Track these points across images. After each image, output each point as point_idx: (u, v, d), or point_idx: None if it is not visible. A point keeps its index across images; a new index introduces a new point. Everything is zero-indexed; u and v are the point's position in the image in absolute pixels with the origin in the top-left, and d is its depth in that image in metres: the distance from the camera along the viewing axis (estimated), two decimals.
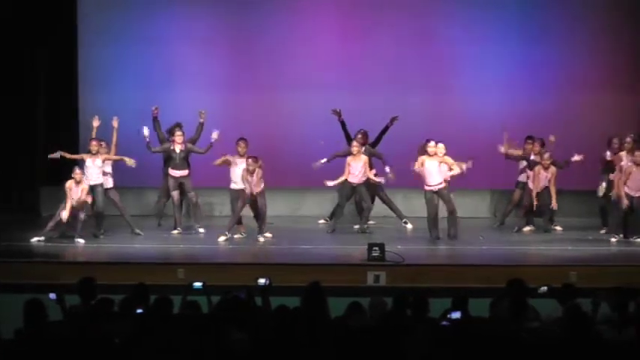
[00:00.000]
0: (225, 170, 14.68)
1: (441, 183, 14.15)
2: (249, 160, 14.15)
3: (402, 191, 15.74)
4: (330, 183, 14.66)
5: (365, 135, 15.19)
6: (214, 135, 14.53)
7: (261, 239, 14.33)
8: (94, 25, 16.52)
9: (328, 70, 16.58)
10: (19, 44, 16.22)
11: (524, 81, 16.51)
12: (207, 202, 15.76)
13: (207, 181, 14.96)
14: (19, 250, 13.39)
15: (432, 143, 14.09)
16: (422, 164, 14.14)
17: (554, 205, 14.79)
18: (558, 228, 15.40)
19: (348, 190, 14.96)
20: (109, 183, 14.74)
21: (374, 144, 15.34)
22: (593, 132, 15.00)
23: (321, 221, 15.92)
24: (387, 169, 15.02)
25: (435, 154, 14.10)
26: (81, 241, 13.90)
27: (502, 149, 15.00)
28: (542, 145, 15.09)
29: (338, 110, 15.21)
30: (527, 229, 15.30)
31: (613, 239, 14.35)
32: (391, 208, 15.58)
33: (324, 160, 14.96)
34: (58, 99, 16.49)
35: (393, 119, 15.21)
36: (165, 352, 7.08)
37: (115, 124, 14.60)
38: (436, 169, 14.11)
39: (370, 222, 15.52)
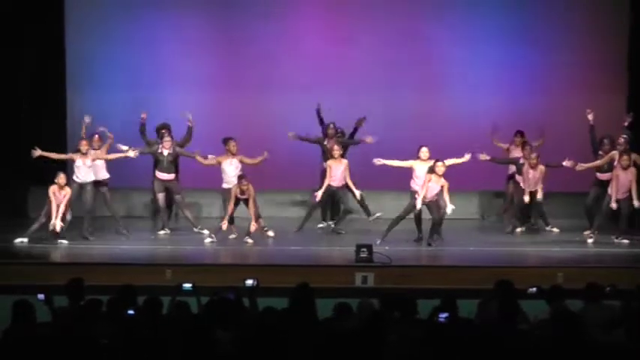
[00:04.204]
0: (214, 171, 14.67)
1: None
2: (242, 180, 14.12)
3: (392, 193, 15.69)
4: (318, 193, 14.59)
5: (334, 127, 15.20)
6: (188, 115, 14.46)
7: (250, 240, 14.25)
8: (82, 24, 16.48)
9: (316, 71, 16.60)
10: (4, 42, 16.15)
11: (512, 81, 16.55)
12: (196, 203, 15.67)
13: (196, 183, 14.91)
14: (8, 251, 13.36)
15: (425, 149, 14.06)
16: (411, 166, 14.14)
17: (539, 196, 14.78)
18: (555, 230, 15.33)
19: (327, 194, 14.93)
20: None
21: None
22: (580, 132, 15.02)
23: (320, 225, 15.76)
24: (367, 139, 15.03)
25: (428, 159, 14.04)
26: (64, 242, 13.87)
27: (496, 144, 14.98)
28: (524, 144, 15.12)
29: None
30: (519, 230, 15.33)
31: (589, 240, 14.41)
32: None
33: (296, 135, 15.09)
34: (45, 99, 16.41)
35: (360, 120, 15.20)
36: (154, 352, 7.08)
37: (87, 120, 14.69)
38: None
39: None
